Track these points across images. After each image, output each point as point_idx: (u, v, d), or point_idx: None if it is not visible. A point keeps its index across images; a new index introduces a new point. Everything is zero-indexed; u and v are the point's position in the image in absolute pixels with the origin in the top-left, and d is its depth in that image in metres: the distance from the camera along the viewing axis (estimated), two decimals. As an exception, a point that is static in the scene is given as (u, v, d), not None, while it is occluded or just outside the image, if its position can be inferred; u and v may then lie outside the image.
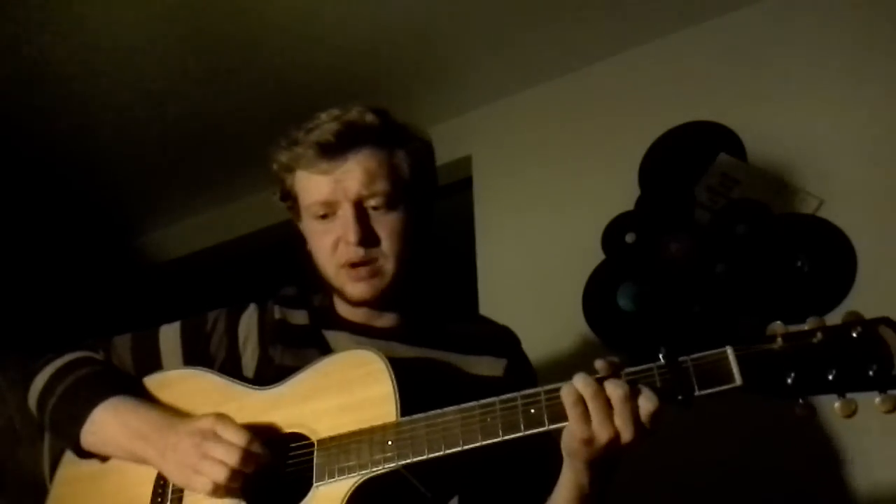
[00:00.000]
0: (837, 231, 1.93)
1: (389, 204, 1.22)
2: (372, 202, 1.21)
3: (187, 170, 2.97)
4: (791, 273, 1.95)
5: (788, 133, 2.09)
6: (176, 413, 1.21)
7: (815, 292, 1.91)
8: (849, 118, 2.02)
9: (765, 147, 2.11)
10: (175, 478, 1.14)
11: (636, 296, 2.17)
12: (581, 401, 0.95)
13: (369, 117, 1.22)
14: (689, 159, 2.20)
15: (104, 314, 3.01)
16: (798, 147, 2.06)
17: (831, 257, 1.92)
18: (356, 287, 1.23)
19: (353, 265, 1.22)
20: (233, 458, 1.07)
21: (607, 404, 0.95)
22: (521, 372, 1.29)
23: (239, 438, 1.09)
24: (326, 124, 1.21)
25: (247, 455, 1.08)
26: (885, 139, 1.95)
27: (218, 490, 1.09)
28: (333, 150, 1.20)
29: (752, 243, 2.02)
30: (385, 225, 1.22)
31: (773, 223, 2.02)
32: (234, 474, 1.07)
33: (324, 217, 1.23)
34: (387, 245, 1.22)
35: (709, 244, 2.09)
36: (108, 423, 1.20)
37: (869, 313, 0.90)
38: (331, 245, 1.23)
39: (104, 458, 1.24)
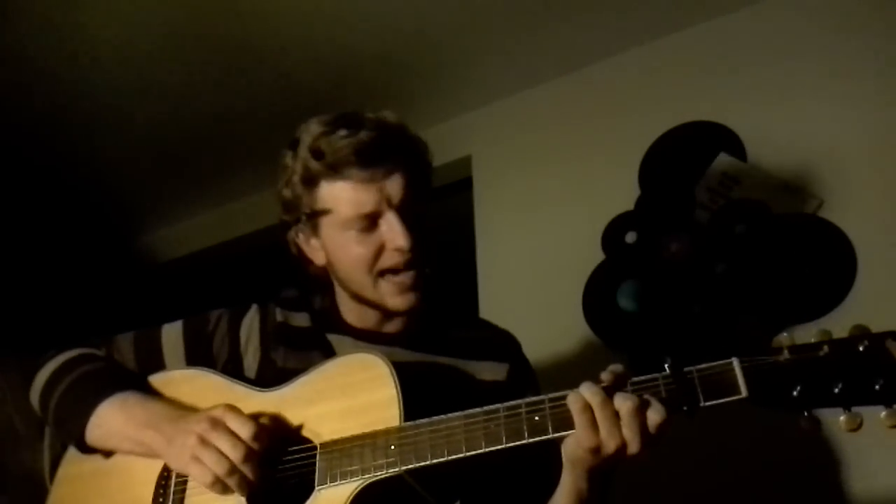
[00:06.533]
0: (837, 231, 1.93)
1: (424, 210, 1.21)
2: (414, 208, 1.19)
3: (187, 170, 2.97)
4: (791, 273, 1.95)
5: (788, 133, 2.09)
6: (184, 407, 1.20)
7: (815, 292, 1.91)
8: (848, 118, 2.02)
9: (765, 147, 2.11)
10: (176, 464, 1.13)
11: (636, 296, 2.18)
12: (588, 408, 0.96)
13: (398, 125, 1.21)
14: (689, 159, 2.20)
15: (105, 314, 3.01)
16: (798, 147, 2.06)
17: (831, 257, 1.92)
18: (398, 300, 1.20)
19: (400, 271, 1.19)
20: (236, 452, 1.06)
21: (615, 415, 0.95)
22: (524, 376, 1.29)
23: (245, 431, 1.08)
24: (362, 132, 1.15)
25: (250, 450, 1.07)
26: (885, 139, 1.95)
27: (217, 483, 1.07)
28: (373, 157, 1.15)
29: (752, 243, 2.02)
30: (422, 231, 1.20)
31: (773, 223, 2.02)
32: (234, 469, 1.06)
33: (364, 229, 1.17)
34: (426, 251, 1.20)
35: (709, 244, 2.09)
36: (114, 416, 1.19)
37: (868, 313, 0.90)
38: (371, 254, 1.18)
39: (107, 455, 1.23)
